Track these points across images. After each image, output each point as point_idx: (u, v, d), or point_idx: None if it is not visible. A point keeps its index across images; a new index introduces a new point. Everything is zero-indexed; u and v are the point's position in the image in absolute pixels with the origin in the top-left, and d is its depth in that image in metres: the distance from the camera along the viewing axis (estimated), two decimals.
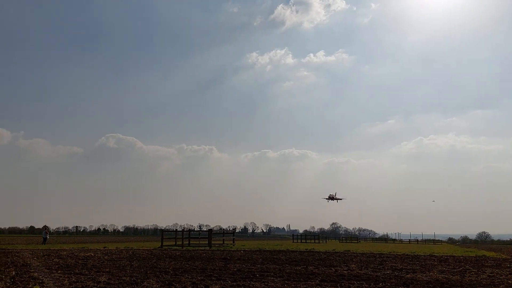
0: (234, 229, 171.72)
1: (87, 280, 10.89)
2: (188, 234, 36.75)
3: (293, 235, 74.37)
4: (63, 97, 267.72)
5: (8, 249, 29.03)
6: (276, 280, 11.11)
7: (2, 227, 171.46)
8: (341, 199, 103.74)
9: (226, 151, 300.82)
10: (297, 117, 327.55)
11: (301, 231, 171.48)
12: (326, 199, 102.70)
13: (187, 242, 35.37)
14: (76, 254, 22.41)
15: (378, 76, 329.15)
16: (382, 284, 10.74)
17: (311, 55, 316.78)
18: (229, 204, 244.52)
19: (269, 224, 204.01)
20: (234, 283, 10.42)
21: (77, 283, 10.30)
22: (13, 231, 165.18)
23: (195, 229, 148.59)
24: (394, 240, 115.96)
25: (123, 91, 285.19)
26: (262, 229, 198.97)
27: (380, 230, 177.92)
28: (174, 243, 35.36)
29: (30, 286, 9.84)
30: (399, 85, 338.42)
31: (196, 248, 30.50)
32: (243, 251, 27.11)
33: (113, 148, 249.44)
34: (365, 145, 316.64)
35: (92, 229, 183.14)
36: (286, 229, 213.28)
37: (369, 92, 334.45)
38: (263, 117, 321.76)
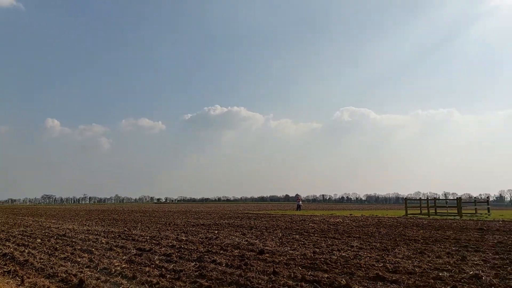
0: (488, 197, 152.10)
1: (341, 244, 11.92)
2: (434, 202, 34.94)
3: None
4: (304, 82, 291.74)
5: (272, 214, 34.33)
6: None
7: (265, 196, 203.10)
8: None
9: (472, 112, 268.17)
10: None
11: None
12: None
13: (433, 211, 33.70)
14: (327, 220, 24.60)
15: None
16: None
17: None
18: (477, 170, 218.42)
19: None
20: (497, 256, 9.50)
21: (333, 246, 11.41)
22: (273, 199, 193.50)
23: (440, 198, 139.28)
24: None
25: (351, 61, 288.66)
26: None
27: None
28: (419, 211, 34.27)
29: (295, 246, 11.49)
30: None
31: (445, 218, 28.75)
32: (501, 221, 24.00)
33: (347, 120, 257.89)
34: None
35: (337, 197, 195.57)
36: None
37: None
38: None
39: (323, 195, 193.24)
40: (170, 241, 13.15)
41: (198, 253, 10.31)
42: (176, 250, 10.86)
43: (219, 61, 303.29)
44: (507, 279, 6.88)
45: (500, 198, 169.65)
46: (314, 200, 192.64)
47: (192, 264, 8.70)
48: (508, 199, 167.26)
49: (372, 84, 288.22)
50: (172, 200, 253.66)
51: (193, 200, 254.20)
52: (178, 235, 15.23)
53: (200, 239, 13.55)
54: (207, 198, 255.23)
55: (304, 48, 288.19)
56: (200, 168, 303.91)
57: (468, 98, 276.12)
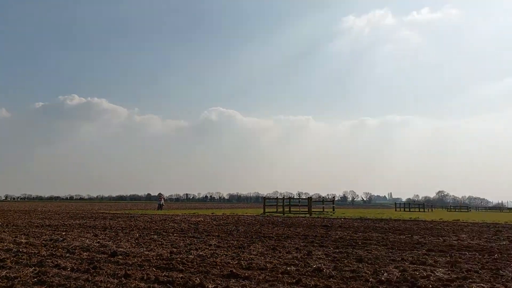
0: (334, 197, 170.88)
1: (200, 243, 11.91)
2: (288, 201, 37.68)
3: (395, 203, 71.84)
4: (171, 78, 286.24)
5: (131, 214, 32.79)
6: (379, 249, 11.00)
7: (124, 195, 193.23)
8: None
9: (323, 121, 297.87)
10: (398, 81, 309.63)
11: (403, 199, 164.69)
12: None
13: (288, 209, 36.31)
14: (188, 219, 24.48)
15: (493, 29, 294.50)
16: (497, 255, 10.01)
17: (414, 13, 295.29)
18: (327, 173, 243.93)
19: (369, 192, 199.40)
20: (337, 250, 10.57)
21: (191, 246, 11.33)
22: (134, 198, 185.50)
23: (294, 197, 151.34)
24: (510, 209, 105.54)
25: (222, 64, 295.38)
26: (362, 198, 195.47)
27: (494, 199, 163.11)
28: (275, 210, 36.59)
29: (152, 247, 11.09)
30: None
31: (297, 215, 31.21)
32: (343, 219, 27.06)
33: (215, 121, 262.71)
34: (478, 107, 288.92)
35: (200, 196, 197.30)
36: (387, 197, 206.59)
37: (482, 48, 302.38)
38: (362, 83, 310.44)
39: (186, 194, 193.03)
40: (5, 244, 11.47)
41: (39, 257, 9.17)
42: (13, 255, 9.49)
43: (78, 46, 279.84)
44: (343, 270, 7.67)
45: (344, 198, 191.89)
46: (178, 199, 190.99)
47: (31, 269, 7.67)
48: (350, 198, 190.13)
49: (240, 87, 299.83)
50: (14, 198, 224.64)
51: (39, 198, 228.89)
52: (16, 237, 13.40)
53: (43, 242, 12.11)
54: (57, 196, 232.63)
55: (177, 44, 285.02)
56: (52, 163, 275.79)
57: (322, 108, 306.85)
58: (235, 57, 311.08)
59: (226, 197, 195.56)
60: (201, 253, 9.91)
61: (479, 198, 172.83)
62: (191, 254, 9.74)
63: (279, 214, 32.68)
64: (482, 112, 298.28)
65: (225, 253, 9.93)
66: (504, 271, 7.76)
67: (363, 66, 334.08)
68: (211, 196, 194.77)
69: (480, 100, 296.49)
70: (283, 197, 38.09)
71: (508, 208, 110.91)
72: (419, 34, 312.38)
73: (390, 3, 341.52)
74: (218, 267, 7.99)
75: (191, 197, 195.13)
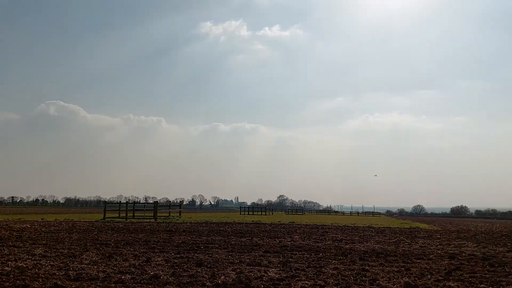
0: (181, 201, 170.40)
1: (21, 253, 10.35)
2: (132, 206, 36.05)
3: (240, 207, 75.37)
4: None
5: None
6: (220, 252, 11.18)
7: None
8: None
9: (176, 123, 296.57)
10: (249, 90, 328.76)
11: (249, 203, 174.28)
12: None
13: (131, 214, 34.72)
14: (11, 225, 21.27)
15: (331, 53, 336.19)
16: (322, 254, 11.13)
17: (266, 28, 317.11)
18: (177, 177, 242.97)
19: (217, 196, 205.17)
20: (178, 255, 10.35)
21: (10, 256, 9.76)
22: None
23: (141, 201, 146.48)
24: (336, 212, 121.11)
25: (67, 55, 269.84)
26: (210, 202, 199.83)
27: (324, 203, 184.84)
28: (117, 215, 34.58)
29: None
30: (350, 63, 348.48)
31: (141, 221, 30.06)
32: (189, 223, 27.06)
33: (53, 115, 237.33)
34: (315, 121, 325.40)
35: (30, 199, 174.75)
36: (234, 201, 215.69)
37: (321, 69, 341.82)
38: (215, 89, 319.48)
39: (12, 197, 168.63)
40: None
41: None
42: None
43: None
44: (181, 276, 7.50)
45: (193, 202, 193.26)
46: (1, 202, 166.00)
47: None
48: (199, 203, 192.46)
49: (87, 82, 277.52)
50: None
51: None
52: None
53: None
54: None
55: (17, 27, 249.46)
56: None
57: (175, 110, 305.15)
58: (83, 50, 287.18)
59: (61, 201, 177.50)
60: (21, 264, 8.59)
61: (312, 202, 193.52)
62: (7, 265, 8.37)
63: (121, 220, 30.97)
64: (317, 125, 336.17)
65: (52, 263, 8.80)
66: (326, 269, 8.62)
67: (217, 73, 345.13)
68: (43, 199, 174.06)
69: (317, 114, 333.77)
70: (127, 202, 36.30)
71: (335, 211, 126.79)
72: (270, 49, 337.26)
73: (246, 16, 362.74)
74: (41, 279, 7.00)
75: (17, 201, 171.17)
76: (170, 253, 10.72)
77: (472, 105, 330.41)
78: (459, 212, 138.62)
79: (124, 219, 31.42)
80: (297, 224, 28.42)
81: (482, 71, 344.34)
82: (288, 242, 14.26)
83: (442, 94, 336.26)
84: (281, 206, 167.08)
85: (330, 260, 9.87)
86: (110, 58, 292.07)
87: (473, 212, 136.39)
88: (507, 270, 8.87)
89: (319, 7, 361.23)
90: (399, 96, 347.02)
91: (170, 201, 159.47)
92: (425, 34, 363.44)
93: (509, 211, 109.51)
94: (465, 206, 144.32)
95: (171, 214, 38.96)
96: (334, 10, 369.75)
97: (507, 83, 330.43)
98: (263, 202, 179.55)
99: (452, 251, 12.47)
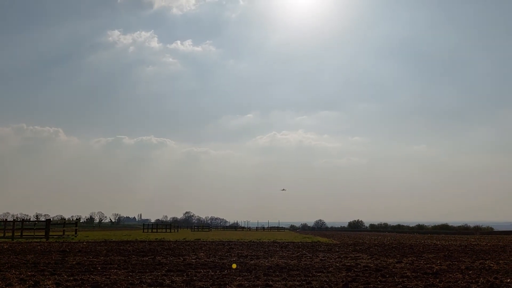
0: (78, 219, 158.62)
1: None
2: (21, 224, 32.56)
3: (143, 224, 72.31)
4: None
5: None
6: (119, 272, 10.50)
7: None
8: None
9: (75, 135, 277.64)
10: (159, 103, 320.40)
11: (153, 220, 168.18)
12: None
13: (19, 234, 31.33)
14: None
15: (242, 71, 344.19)
16: (227, 271, 11.04)
17: (178, 42, 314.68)
18: (74, 193, 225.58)
19: (119, 213, 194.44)
20: (71, 277, 9.48)
21: None
22: None
23: (31, 219, 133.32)
24: (243, 228, 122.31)
25: None
26: (110, 219, 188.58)
27: (231, 219, 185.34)
28: (2, 234, 30.96)
29: None
30: (260, 81, 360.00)
31: (30, 241, 27.24)
32: (86, 242, 25.17)
33: None
34: (224, 136, 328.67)
35: None
36: (137, 218, 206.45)
37: (232, 86, 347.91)
38: (121, 100, 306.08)
39: None
40: None
41: None
42: None
43: None
44: None
45: (91, 219, 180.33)
46: None
47: None
48: (98, 220, 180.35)
49: None
50: None
51: None
52: None
53: None
54: None
55: None
56: None
57: (75, 121, 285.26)
58: None
59: None
60: None
61: (219, 218, 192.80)
62: None
63: (7, 240, 27.76)
64: (227, 140, 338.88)
65: None
66: (230, 286, 8.53)
67: (124, 83, 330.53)
68: None
69: (227, 130, 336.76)
70: (14, 220, 32.73)
71: (241, 227, 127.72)
72: (182, 63, 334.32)
73: (157, 28, 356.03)
74: None
75: None
76: (63, 276, 9.78)
77: (368, 126, 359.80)
78: (355, 226, 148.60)
79: (11, 239, 28.20)
80: (203, 241, 28.02)
81: (377, 94, 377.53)
82: (193, 260, 13.92)
83: (342, 115, 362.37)
84: (187, 223, 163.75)
85: (234, 277, 9.81)
86: (6, 62, 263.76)
87: (368, 226, 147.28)
88: (397, 280, 9.62)
89: (231, 25, 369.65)
90: (305, 115, 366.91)
91: (65, 219, 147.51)
92: (329, 59, 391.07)
93: (398, 225, 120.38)
94: (361, 221, 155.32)
95: (66, 233, 35.96)
96: (245, 28, 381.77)
97: (400, 107, 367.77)
98: (168, 219, 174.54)
99: (349, 264, 13.22)
